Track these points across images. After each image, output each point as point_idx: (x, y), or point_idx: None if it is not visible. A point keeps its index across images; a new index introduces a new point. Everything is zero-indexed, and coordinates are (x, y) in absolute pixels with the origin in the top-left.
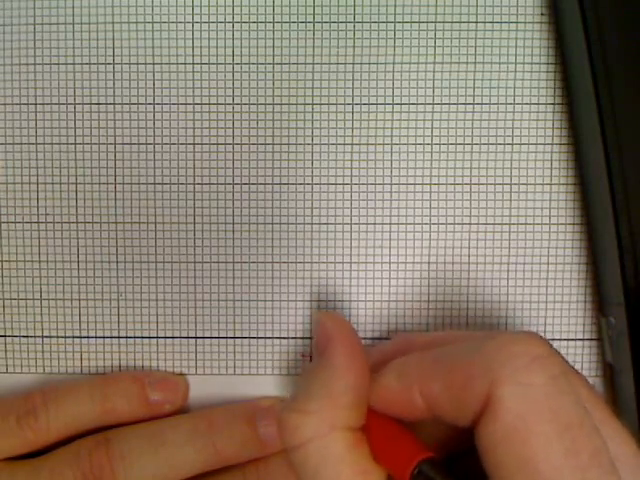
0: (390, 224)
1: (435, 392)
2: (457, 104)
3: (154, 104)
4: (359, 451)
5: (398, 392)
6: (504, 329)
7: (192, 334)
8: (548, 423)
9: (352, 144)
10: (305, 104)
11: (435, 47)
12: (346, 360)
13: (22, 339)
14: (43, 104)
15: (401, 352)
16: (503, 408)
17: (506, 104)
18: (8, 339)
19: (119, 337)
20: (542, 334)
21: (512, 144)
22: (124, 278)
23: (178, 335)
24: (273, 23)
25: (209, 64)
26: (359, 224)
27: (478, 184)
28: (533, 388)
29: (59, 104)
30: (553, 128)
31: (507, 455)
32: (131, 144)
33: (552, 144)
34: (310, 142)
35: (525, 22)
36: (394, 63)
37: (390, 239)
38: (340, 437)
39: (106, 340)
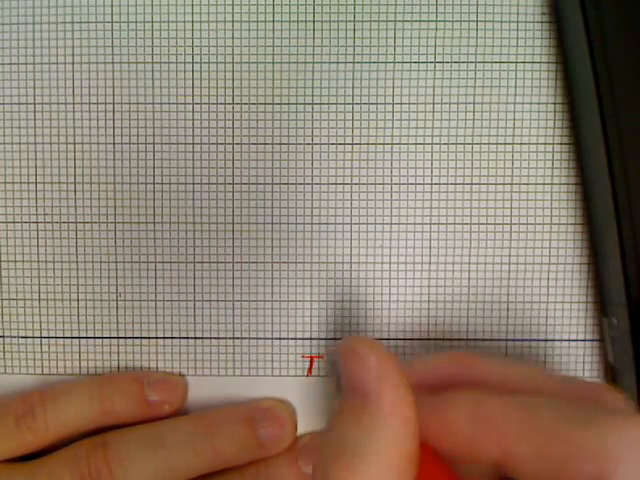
0: (390, 224)
1: (523, 454)
2: (457, 104)
3: (154, 104)
4: None
5: (467, 435)
6: (510, 343)
7: (192, 334)
8: None
9: (352, 144)
10: (305, 104)
11: (435, 47)
12: (404, 408)
13: (20, 339)
14: (43, 104)
15: (459, 375)
16: None
17: (506, 104)
18: (6, 339)
19: (118, 337)
20: (543, 335)
21: (513, 144)
22: (123, 278)
23: (178, 335)
24: (273, 22)
25: (209, 64)
26: (359, 224)
27: (478, 184)
28: None
29: (59, 104)
30: (554, 128)
31: None
32: (131, 144)
33: (553, 144)
34: (310, 142)
35: (526, 22)
36: (394, 63)
37: (390, 239)
38: None
39: (105, 340)
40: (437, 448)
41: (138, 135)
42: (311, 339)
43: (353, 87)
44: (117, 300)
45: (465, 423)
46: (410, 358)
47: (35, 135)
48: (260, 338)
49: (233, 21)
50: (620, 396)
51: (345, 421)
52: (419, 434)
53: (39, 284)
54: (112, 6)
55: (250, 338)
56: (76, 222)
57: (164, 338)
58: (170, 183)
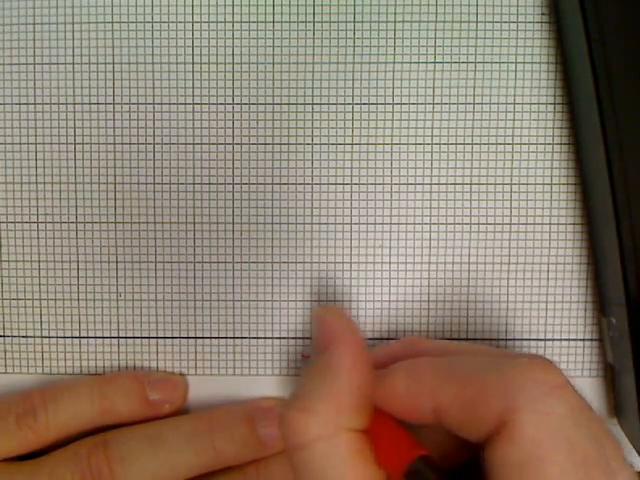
0: (390, 224)
1: (446, 401)
2: (457, 104)
3: (154, 104)
4: (364, 454)
5: (405, 394)
6: (510, 342)
7: (192, 334)
8: (564, 454)
9: (352, 144)
10: (305, 104)
11: (435, 47)
12: (352, 359)
13: (21, 339)
14: (43, 104)
15: (408, 355)
16: (520, 434)
17: (506, 104)
18: (7, 339)
19: (119, 337)
20: (542, 334)
21: (512, 144)
22: (124, 278)
23: (178, 335)
24: (273, 23)
25: (209, 64)
26: (359, 224)
27: (478, 184)
28: (552, 417)
29: (59, 104)
30: (554, 128)
31: None
32: (131, 144)
33: (553, 144)
34: (310, 142)
35: (525, 22)
36: (394, 63)
37: (390, 239)
38: (346, 439)
39: (106, 340)
40: (388, 413)
41: (138, 135)
42: (311, 339)
43: (353, 87)
44: (117, 300)
45: (404, 384)
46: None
47: (35, 135)
48: (260, 338)
49: (233, 21)
50: (539, 356)
51: (305, 373)
52: (371, 394)
53: (40, 284)
54: (112, 6)
55: (250, 338)
56: (76, 222)
57: (164, 338)
58: (170, 183)
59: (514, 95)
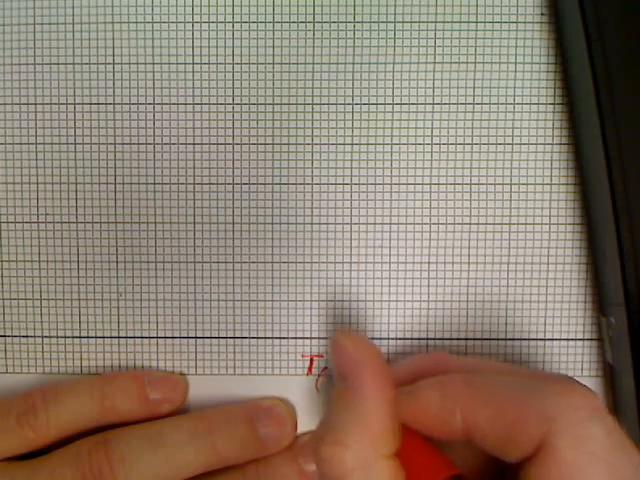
0: (390, 224)
1: (481, 421)
2: (457, 104)
3: (154, 104)
4: (400, 478)
5: (437, 411)
6: (510, 342)
7: (192, 334)
8: (604, 477)
9: (352, 144)
10: (305, 104)
11: (435, 47)
12: (379, 388)
13: (22, 339)
14: (43, 104)
15: (436, 371)
16: (560, 457)
17: (506, 104)
18: (8, 339)
19: (119, 337)
20: (542, 334)
21: (512, 144)
22: (124, 278)
23: (178, 335)
24: (273, 23)
25: (209, 64)
26: (359, 224)
27: (478, 184)
28: (591, 441)
29: (59, 104)
30: (553, 128)
31: None
32: (131, 144)
33: (552, 144)
34: (310, 142)
35: (525, 22)
36: (394, 63)
37: (390, 239)
38: (382, 466)
39: (106, 340)
40: (417, 430)
41: (138, 135)
42: (311, 339)
43: (353, 87)
44: (118, 300)
45: (436, 401)
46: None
47: (36, 135)
48: (260, 338)
49: (233, 21)
50: (573, 379)
51: (332, 404)
52: (398, 413)
53: (40, 284)
54: (112, 6)
55: (250, 338)
56: (77, 222)
57: (165, 338)
58: (170, 183)
59: (514, 95)
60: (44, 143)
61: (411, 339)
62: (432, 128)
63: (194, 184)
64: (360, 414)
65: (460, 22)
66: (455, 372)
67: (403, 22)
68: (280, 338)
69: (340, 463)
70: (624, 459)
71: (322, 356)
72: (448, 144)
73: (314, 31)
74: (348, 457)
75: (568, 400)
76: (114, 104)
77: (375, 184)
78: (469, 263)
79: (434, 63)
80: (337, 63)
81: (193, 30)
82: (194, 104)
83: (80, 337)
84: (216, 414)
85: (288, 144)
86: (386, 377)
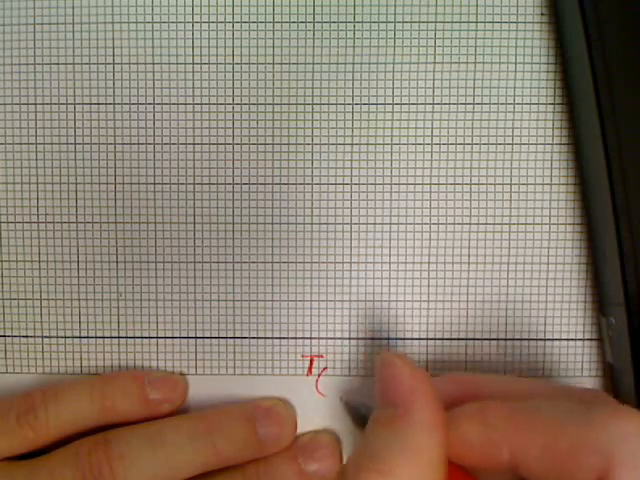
0: (390, 224)
1: (531, 455)
2: (457, 104)
3: (154, 104)
4: None
5: (480, 443)
6: (510, 342)
7: (192, 334)
8: None
9: (352, 144)
10: (305, 104)
11: (435, 47)
12: (433, 418)
13: (22, 339)
14: (43, 104)
15: (466, 396)
16: None
17: (506, 104)
18: (8, 339)
19: (119, 337)
20: (542, 334)
21: (512, 144)
22: (124, 278)
23: (178, 335)
24: (273, 23)
25: (209, 64)
26: (359, 224)
27: (478, 184)
28: None
29: (59, 104)
30: (553, 128)
31: None
32: (131, 144)
33: (552, 144)
34: (310, 142)
35: (525, 22)
36: (394, 63)
37: (390, 239)
38: None
39: (106, 340)
40: (459, 462)
41: (138, 135)
42: (311, 339)
43: (353, 87)
44: (118, 300)
45: (476, 430)
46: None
47: (36, 135)
48: (260, 338)
49: (233, 21)
50: (612, 398)
51: (378, 429)
52: (446, 448)
53: (40, 284)
54: (112, 6)
55: (250, 338)
56: (77, 222)
57: (165, 338)
58: (170, 183)
59: (514, 95)
60: (44, 143)
61: (411, 339)
62: (432, 128)
63: (194, 184)
64: (412, 444)
65: (460, 22)
66: (489, 395)
67: (403, 22)
68: (280, 338)
69: None
70: None
71: (322, 356)
72: (448, 144)
73: (314, 31)
74: None
75: (623, 428)
76: (114, 104)
77: (375, 184)
78: (469, 263)
79: (434, 63)
80: (337, 63)
81: (193, 30)
82: (194, 104)
83: (80, 337)
84: (216, 414)
85: (288, 144)
86: (441, 409)
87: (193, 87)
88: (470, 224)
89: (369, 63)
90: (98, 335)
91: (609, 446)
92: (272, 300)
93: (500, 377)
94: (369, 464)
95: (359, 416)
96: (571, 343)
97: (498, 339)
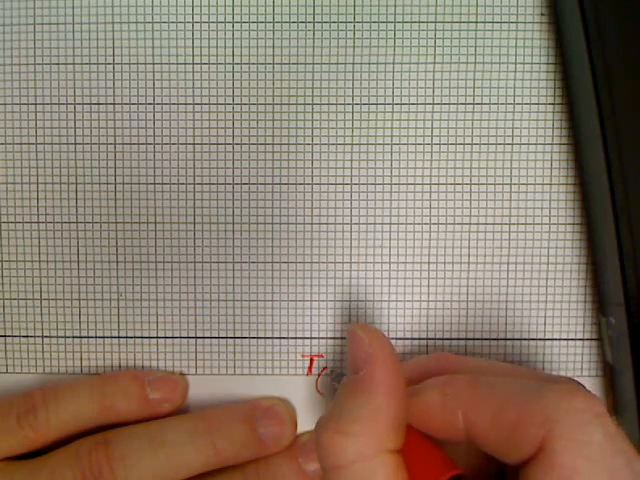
0: (390, 224)
1: (482, 422)
2: (457, 104)
3: (154, 104)
4: (401, 475)
5: (440, 411)
6: (510, 342)
7: (192, 334)
8: None
9: (352, 144)
10: (305, 104)
11: (435, 47)
12: (390, 380)
13: (22, 339)
14: (43, 104)
15: (441, 371)
16: (559, 461)
17: (506, 104)
18: (8, 339)
19: (119, 337)
20: (542, 334)
21: (512, 144)
22: (124, 278)
23: (178, 335)
24: (273, 23)
25: (209, 64)
26: (359, 224)
27: (478, 184)
28: (592, 446)
29: (59, 104)
30: (553, 128)
31: None
32: (131, 144)
33: (552, 144)
34: (310, 142)
35: (525, 22)
36: (394, 63)
37: (390, 239)
38: (385, 460)
39: (106, 340)
40: (420, 428)
41: (138, 135)
42: (311, 339)
43: (353, 87)
44: (118, 300)
45: (439, 401)
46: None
47: (36, 135)
48: (260, 338)
49: (233, 21)
50: (576, 381)
51: (343, 393)
52: (405, 411)
53: (40, 284)
54: (112, 6)
55: (250, 338)
56: (77, 222)
57: (165, 338)
58: (170, 183)
59: (514, 95)
60: (44, 143)
61: (411, 339)
62: (432, 128)
63: (194, 184)
64: (369, 405)
65: (460, 22)
66: (458, 373)
67: (403, 22)
68: (280, 338)
69: (341, 452)
70: (624, 466)
71: (322, 356)
72: (448, 144)
73: (314, 31)
74: (350, 446)
75: (570, 403)
76: (114, 104)
77: (375, 184)
78: (469, 263)
79: (434, 63)
80: (337, 63)
81: (193, 30)
82: (194, 104)
83: (80, 337)
84: (216, 414)
85: (288, 144)
86: (398, 372)
87: (193, 87)
88: (470, 224)
89: (369, 63)
90: (98, 335)
91: (552, 418)
92: (272, 300)
93: (474, 358)
94: (332, 424)
95: None
96: (571, 343)
97: (498, 339)
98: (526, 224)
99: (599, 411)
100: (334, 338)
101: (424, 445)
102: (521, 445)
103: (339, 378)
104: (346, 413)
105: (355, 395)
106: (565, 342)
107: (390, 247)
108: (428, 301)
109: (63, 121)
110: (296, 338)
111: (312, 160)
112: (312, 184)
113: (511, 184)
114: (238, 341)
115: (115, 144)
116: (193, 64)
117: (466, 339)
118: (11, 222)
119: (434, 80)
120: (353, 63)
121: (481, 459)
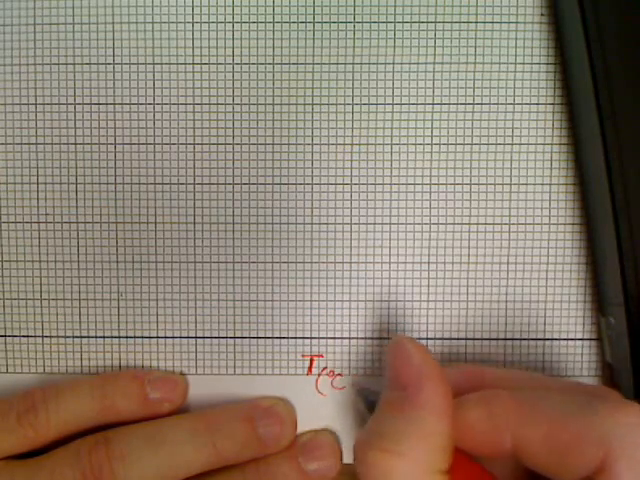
0: (390, 224)
1: (533, 442)
2: (457, 104)
3: (154, 104)
4: None
5: (486, 430)
6: (510, 342)
7: (192, 334)
8: None
9: (352, 144)
10: (305, 104)
11: (435, 47)
12: (441, 400)
13: (22, 339)
14: (43, 104)
15: (475, 386)
16: None
17: (506, 104)
18: (8, 339)
19: (119, 337)
20: (541, 334)
21: (512, 144)
22: (124, 278)
23: (178, 335)
24: (273, 23)
25: (209, 64)
26: (359, 224)
27: (478, 184)
28: None
29: (59, 104)
30: (553, 128)
31: None
32: (131, 144)
33: (552, 144)
34: (310, 142)
35: (525, 22)
36: (394, 63)
37: (390, 239)
38: None
39: (106, 340)
40: (464, 448)
41: (138, 135)
42: (311, 339)
43: (353, 87)
44: (118, 299)
45: (481, 418)
46: None
47: (36, 135)
48: (260, 338)
49: (233, 21)
50: (618, 394)
51: (388, 410)
52: (452, 432)
53: (40, 284)
54: (112, 6)
55: (250, 337)
56: (77, 222)
57: (165, 338)
58: (170, 183)
59: (513, 95)
60: (44, 143)
61: None
62: (432, 128)
63: (194, 184)
64: (419, 424)
65: (460, 22)
66: (496, 386)
67: (403, 22)
68: (280, 338)
69: (389, 471)
70: None
71: (322, 356)
72: (448, 144)
73: (314, 31)
74: (400, 466)
75: (624, 420)
76: (114, 104)
77: (375, 184)
78: (469, 263)
79: (434, 63)
80: (337, 63)
81: (193, 30)
82: (194, 104)
83: (80, 337)
84: (216, 414)
85: (288, 144)
86: (449, 392)
87: (193, 87)
88: (470, 224)
89: (369, 63)
90: (98, 335)
91: (609, 437)
92: (272, 300)
93: (508, 370)
94: (378, 443)
95: (369, 402)
96: (571, 343)
97: (498, 339)
98: (526, 224)
99: None
100: (334, 338)
101: (470, 465)
102: (578, 466)
103: (365, 393)
104: (393, 432)
105: (403, 413)
106: (565, 342)
107: (390, 247)
108: (428, 301)
109: (63, 121)
110: (296, 338)
111: (312, 160)
112: (312, 184)
113: (511, 184)
114: (238, 341)
115: (115, 144)
116: (193, 64)
117: (466, 339)
118: (11, 222)
119: (434, 80)
120: (353, 63)
121: (524, 475)
